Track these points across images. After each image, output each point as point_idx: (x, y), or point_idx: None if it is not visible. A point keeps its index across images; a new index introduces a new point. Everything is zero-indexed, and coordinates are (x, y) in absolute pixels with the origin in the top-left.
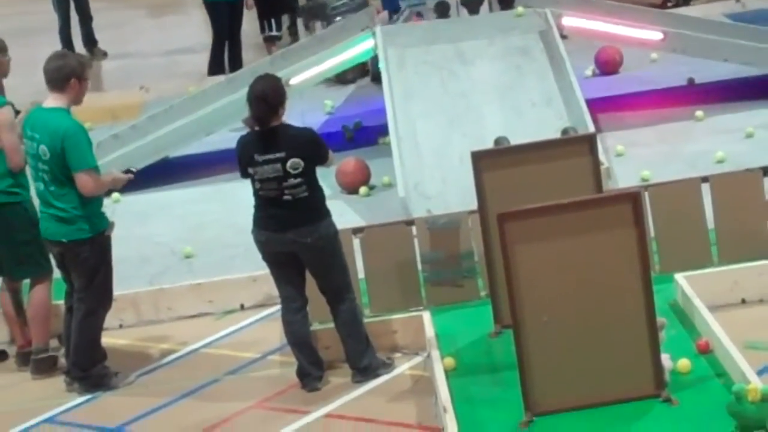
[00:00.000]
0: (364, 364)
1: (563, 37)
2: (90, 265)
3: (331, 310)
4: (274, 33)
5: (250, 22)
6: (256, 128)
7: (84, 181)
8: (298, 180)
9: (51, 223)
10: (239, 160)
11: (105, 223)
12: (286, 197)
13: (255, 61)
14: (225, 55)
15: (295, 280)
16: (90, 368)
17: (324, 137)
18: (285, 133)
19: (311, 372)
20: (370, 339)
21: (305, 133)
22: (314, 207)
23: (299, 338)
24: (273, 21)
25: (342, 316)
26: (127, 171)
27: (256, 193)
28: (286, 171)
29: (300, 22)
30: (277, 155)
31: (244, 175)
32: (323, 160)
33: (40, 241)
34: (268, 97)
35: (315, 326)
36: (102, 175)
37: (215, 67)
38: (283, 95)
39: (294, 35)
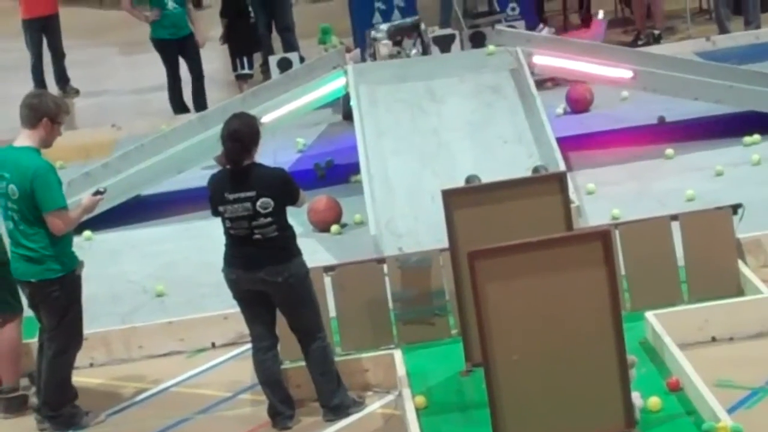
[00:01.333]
0: (335, 402)
1: (549, 80)
2: (60, 305)
3: (302, 349)
4: (246, 71)
5: (221, 60)
6: (228, 167)
7: (54, 222)
8: (268, 219)
9: (20, 263)
10: (210, 198)
11: (75, 263)
12: (256, 236)
13: (227, 99)
14: (182, 92)
15: (266, 318)
16: (60, 408)
17: (295, 175)
18: (256, 172)
19: (282, 411)
20: (341, 377)
21: (276, 173)
22: (285, 246)
23: (270, 377)
24: (245, 59)
25: (313, 355)
26: (96, 193)
27: (226, 231)
28: (256, 210)
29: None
30: (248, 194)
31: (215, 213)
32: (294, 201)
33: (9, 280)
34: (241, 136)
35: (286, 365)
36: (71, 211)
37: (175, 105)
38: (257, 135)
39: (266, 73)
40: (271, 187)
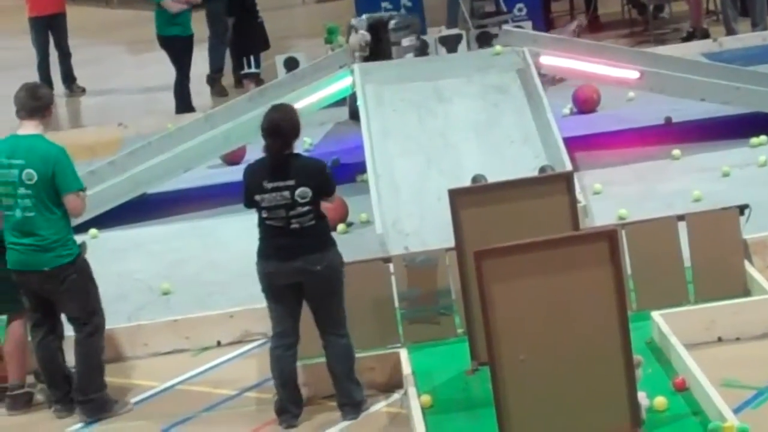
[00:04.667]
0: (358, 400)
1: (556, 80)
2: (81, 286)
3: (326, 344)
4: (253, 70)
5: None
6: (264, 156)
7: (75, 202)
8: (306, 208)
9: (29, 254)
10: (247, 187)
11: (78, 246)
12: (293, 226)
13: (230, 98)
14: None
15: (294, 315)
16: (93, 392)
17: None
18: (296, 161)
19: (291, 410)
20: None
21: (316, 164)
22: (322, 235)
23: (287, 375)
24: (252, 58)
25: (339, 351)
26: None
27: (262, 222)
28: (294, 199)
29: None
30: (287, 183)
31: (250, 203)
32: (330, 194)
33: (12, 278)
34: (282, 130)
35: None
36: None
37: (185, 104)
38: (298, 126)
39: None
40: (310, 177)
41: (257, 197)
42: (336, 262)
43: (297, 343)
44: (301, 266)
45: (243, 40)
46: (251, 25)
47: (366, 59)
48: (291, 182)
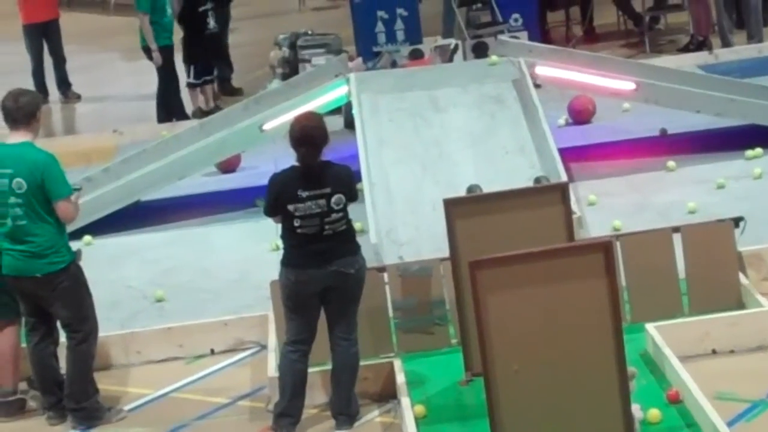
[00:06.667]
0: (353, 410)
1: (537, 86)
2: (73, 293)
3: (336, 350)
4: (191, 80)
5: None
6: (297, 165)
7: (67, 208)
8: (340, 215)
9: (22, 260)
10: (276, 196)
11: (73, 253)
12: (326, 232)
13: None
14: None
15: (315, 324)
16: (85, 400)
17: None
18: (328, 169)
19: (293, 415)
20: None
21: (346, 170)
22: (352, 239)
23: (301, 383)
24: (192, 68)
25: (350, 361)
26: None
27: (291, 231)
28: (330, 206)
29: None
30: (323, 191)
31: (275, 212)
32: (356, 198)
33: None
34: (315, 140)
35: None
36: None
37: (175, 113)
38: (327, 133)
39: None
40: (343, 183)
41: (290, 206)
42: (365, 266)
43: (309, 352)
44: (336, 270)
45: (189, 48)
46: (198, 36)
47: (286, 76)
48: (327, 190)
